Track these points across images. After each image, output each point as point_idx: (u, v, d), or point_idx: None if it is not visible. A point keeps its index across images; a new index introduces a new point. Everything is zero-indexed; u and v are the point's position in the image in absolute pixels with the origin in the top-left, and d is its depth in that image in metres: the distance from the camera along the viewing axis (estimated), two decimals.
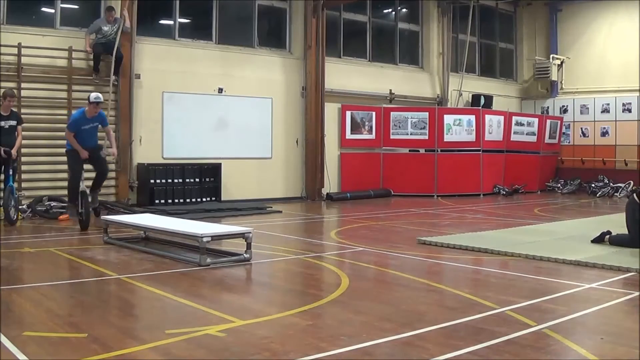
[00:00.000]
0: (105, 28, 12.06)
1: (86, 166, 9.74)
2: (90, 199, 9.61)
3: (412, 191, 16.39)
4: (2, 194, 10.26)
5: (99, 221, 9.35)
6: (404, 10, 18.58)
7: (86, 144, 9.44)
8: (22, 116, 11.42)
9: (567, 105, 19.75)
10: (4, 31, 11.28)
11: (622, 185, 17.19)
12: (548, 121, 19.11)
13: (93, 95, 9.35)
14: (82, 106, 12.09)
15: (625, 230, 8.03)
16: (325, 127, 15.61)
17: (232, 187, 14.01)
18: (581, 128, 19.43)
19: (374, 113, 16.69)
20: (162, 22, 14.16)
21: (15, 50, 11.34)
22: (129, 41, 12.53)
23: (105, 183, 12.45)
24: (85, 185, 9.57)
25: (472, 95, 18.95)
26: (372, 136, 16.69)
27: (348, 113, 16.31)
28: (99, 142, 10.05)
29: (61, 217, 10.76)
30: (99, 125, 9.64)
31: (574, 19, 19.70)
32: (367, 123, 16.63)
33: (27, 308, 4.99)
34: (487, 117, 17.47)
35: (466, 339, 4.17)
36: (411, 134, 16.84)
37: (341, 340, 4.16)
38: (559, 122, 19.49)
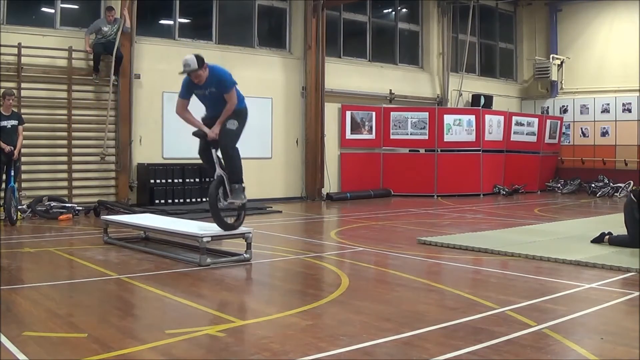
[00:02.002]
0: (105, 28, 12.06)
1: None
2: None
3: (412, 191, 16.39)
4: (1, 194, 10.27)
5: (98, 221, 9.35)
6: (404, 10, 18.58)
7: (212, 116, 7.15)
8: (22, 116, 11.46)
9: (567, 105, 19.76)
10: (4, 31, 11.28)
11: (622, 185, 17.19)
12: (548, 121, 19.11)
13: (182, 60, 6.91)
14: (82, 106, 12.22)
15: (624, 231, 8.03)
16: (325, 127, 15.61)
17: None
18: (581, 128, 19.43)
19: (374, 113, 16.69)
20: (162, 22, 14.16)
21: (15, 50, 11.34)
22: (129, 41, 12.52)
23: (105, 183, 12.57)
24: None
25: (472, 95, 18.95)
26: (372, 136, 16.69)
27: (348, 113, 16.32)
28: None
29: (61, 217, 10.76)
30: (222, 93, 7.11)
31: (574, 19, 19.70)
32: (367, 123, 16.62)
33: (27, 308, 4.99)
34: (487, 117, 17.47)
35: (466, 339, 4.17)
36: (411, 134, 16.84)
37: (341, 340, 4.16)
38: (559, 122, 19.49)
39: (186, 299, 5.35)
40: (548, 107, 20.13)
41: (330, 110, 15.95)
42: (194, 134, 7.18)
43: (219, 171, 7.22)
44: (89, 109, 12.39)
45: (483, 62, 20.32)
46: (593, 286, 5.85)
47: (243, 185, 7.24)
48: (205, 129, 7.03)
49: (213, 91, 7.02)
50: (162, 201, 12.72)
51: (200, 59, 6.83)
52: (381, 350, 4.02)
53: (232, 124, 7.07)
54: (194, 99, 7.20)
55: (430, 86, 18.39)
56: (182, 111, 7.12)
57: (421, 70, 18.47)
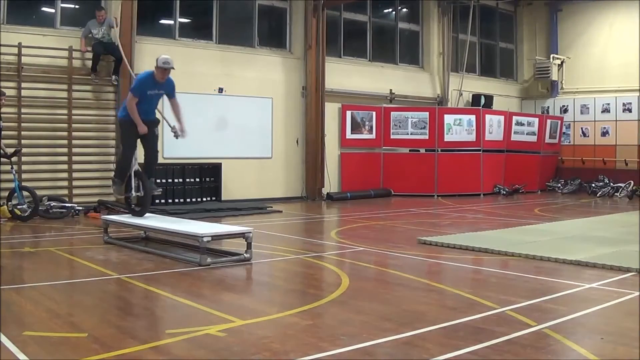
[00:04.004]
0: (95, 30, 12.03)
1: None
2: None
3: (412, 191, 16.39)
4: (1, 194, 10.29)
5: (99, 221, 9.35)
6: (404, 10, 18.57)
7: (146, 115, 7.96)
8: (22, 116, 11.48)
9: (567, 105, 19.75)
10: (4, 31, 11.27)
11: (622, 185, 17.17)
12: (548, 121, 19.10)
13: (162, 58, 7.77)
14: (82, 105, 12.20)
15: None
16: (326, 127, 15.61)
17: (232, 187, 14.01)
18: (581, 128, 19.43)
19: (374, 113, 16.69)
20: (162, 22, 14.15)
21: (15, 50, 11.34)
22: (129, 41, 12.50)
23: (105, 183, 12.53)
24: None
25: (473, 95, 18.95)
26: (373, 136, 16.69)
27: (348, 113, 16.31)
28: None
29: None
30: (164, 95, 8.15)
31: (574, 18, 19.70)
32: (367, 123, 16.62)
33: (27, 308, 4.99)
34: (488, 117, 17.47)
35: (466, 339, 4.17)
36: (411, 134, 16.84)
37: (341, 340, 4.16)
38: (559, 122, 19.49)
39: (186, 298, 5.35)
40: (548, 107, 20.12)
41: (331, 110, 15.95)
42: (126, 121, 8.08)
43: (137, 168, 8.26)
44: (89, 108, 12.38)
45: (483, 62, 20.32)
46: (593, 286, 5.85)
47: None
48: (142, 126, 7.93)
49: (161, 93, 8.06)
50: (162, 201, 12.72)
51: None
52: (381, 350, 4.02)
53: (157, 131, 8.44)
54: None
55: (430, 86, 18.38)
56: (134, 106, 7.88)
57: (421, 70, 18.47)
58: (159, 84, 7.89)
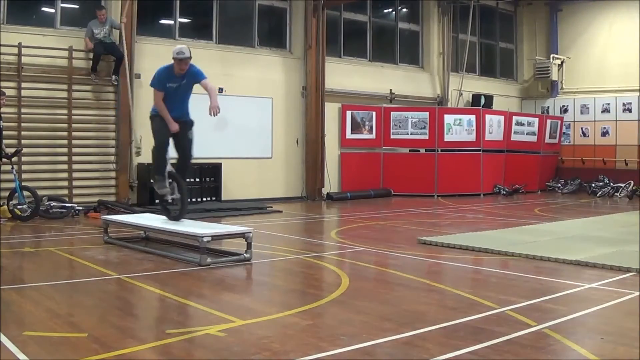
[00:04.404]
0: (97, 30, 12.02)
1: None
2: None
3: (412, 191, 16.39)
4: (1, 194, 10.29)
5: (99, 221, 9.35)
6: (404, 10, 18.58)
7: (172, 112, 7.53)
8: (23, 116, 11.48)
9: (567, 105, 19.75)
10: (4, 31, 11.27)
11: (622, 185, 17.17)
12: (548, 121, 19.10)
13: (176, 49, 7.55)
14: (82, 105, 12.20)
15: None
16: (326, 127, 15.61)
17: (232, 187, 14.01)
18: (581, 128, 19.43)
19: (374, 113, 16.69)
20: (162, 22, 14.16)
21: (15, 50, 11.34)
22: (129, 41, 12.50)
23: (104, 183, 12.55)
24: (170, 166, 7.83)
25: (473, 95, 18.95)
26: (373, 136, 16.69)
27: (348, 113, 16.31)
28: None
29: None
30: (192, 85, 7.71)
31: (574, 18, 19.70)
32: (367, 123, 16.62)
33: (27, 308, 4.99)
34: (488, 117, 17.47)
35: (466, 339, 4.17)
36: (411, 134, 16.84)
37: (341, 340, 4.16)
38: (559, 122, 19.49)
39: (186, 299, 5.35)
40: (548, 107, 20.12)
41: (331, 110, 15.95)
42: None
43: (171, 168, 7.75)
44: (89, 108, 12.38)
45: (483, 62, 20.32)
46: (593, 286, 5.85)
47: None
48: (173, 124, 7.50)
49: (184, 83, 7.56)
50: None
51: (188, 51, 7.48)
52: (381, 350, 4.02)
53: (192, 134, 7.79)
54: None
55: (430, 86, 18.38)
56: (161, 102, 7.53)
57: (421, 70, 18.47)
58: (180, 76, 7.51)
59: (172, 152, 7.76)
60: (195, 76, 7.58)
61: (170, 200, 7.80)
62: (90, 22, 12.08)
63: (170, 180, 7.70)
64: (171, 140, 7.67)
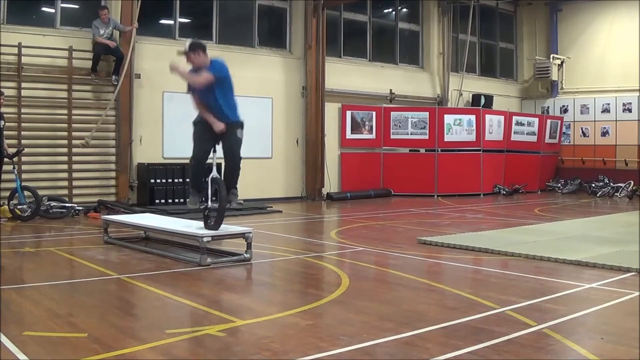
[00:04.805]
0: (102, 31, 12.02)
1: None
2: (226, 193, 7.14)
3: (412, 191, 16.39)
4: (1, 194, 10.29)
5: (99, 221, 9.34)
6: (404, 10, 18.58)
7: (215, 114, 7.01)
8: (23, 116, 11.48)
9: (567, 105, 19.75)
10: (4, 31, 11.28)
11: (622, 185, 17.17)
12: (548, 121, 19.10)
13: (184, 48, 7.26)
14: (82, 105, 12.20)
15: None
16: (326, 127, 15.61)
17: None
18: (581, 128, 19.43)
19: (374, 113, 16.69)
20: (162, 21, 14.15)
21: (15, 50, 11.34)
22: (129, 41, 12.50)
23: (104, 183, 12.54)
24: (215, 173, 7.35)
25: (473, 95, 18.95)
26: (373, 136, 16.69)
27: (348, 113, 16.31)
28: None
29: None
30: (224, 81, 7.19)
31: (574, 18, 19.70)
32: (367, 123, 16.62)
33: (27, 308, 4.99)
34: (488, 117, 17.47)
35: (466, 339, 4.17)
36: (411, 134, 16.84)
37: (341, 340, 4.16)
38: (559, 122, 19.49)
39: (186, 298, 5.35)
40: (548, 107, 20.12)
41: (331, 110, 15.95)
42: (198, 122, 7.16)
43: (215, 174, 7.32)
44: (89, 108, 12.39)
45: (483, 62, 20.32)
46: (593, 286, 5.85)
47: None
48: (217, 123, 7.00)
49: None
50: (162, 201, 12.72)
51: (195, 43, 7.26)
52: (381, 350, 4.02)
53: (240, 134, 7.20)
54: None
55: (430, 86, 18.38)
56: (199, 105, 7.15)
57: (421, 70, 18.47)
58: (199, 71, 7.04)
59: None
60: (215, 71, 7.09)
61: (205, 207, 7.21)
62: (95, 22, 12.07)
63: (213, 187, 7.23)
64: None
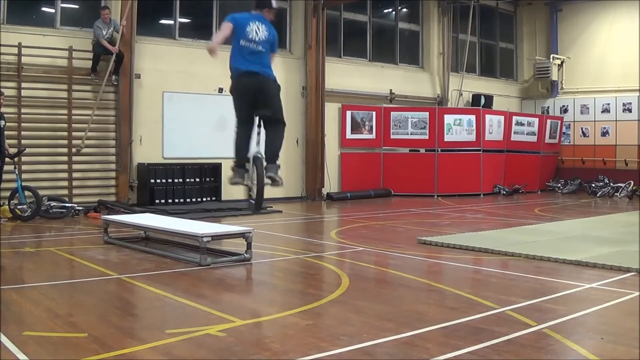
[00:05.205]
0: (104, 32, 12.01)
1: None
2: (266, 170, 6.29)
3: (412, 191, 16.39)
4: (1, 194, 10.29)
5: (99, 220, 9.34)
6: (404, 10, 18.57)
7: (251, 66, 6.27)
8: (23, 116, 11.48)
9: (567, 105, 19.75)
10: (4, 31, 11.27)
11: (622, 185, 17.16)
12: (548, 121, 19.10)
13: None
14: (82, 105, 12.20)
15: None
16: (326, 127, 15.61)
17: (232, 187, 13.90)
18: (581, 128, 19.42)
19: (374, 113, 16.69)
20: (162, 21, 14.15)
21: (15, 50, 11.34)
22: (128, 41, 12.50)
23: (104, 183, 12.53)
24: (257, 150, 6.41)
25: (473, 95, 18.95)
26: (373, 136, 16.69)
27: (348, 113, 16.31)
28: None
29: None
30: (271, 44, 6.40)
31: (574, 18, 19.70)
32: (367, 123, 16.62)
33: (27, 308, 4.99)
34: (488, 117, 17.47)
35: (466, 339, 4.17)
36: (411, 134, 16.83)
37: (341, 340, 4.16)
38: (559, 122, 19.49)
39: (186, 298, 5.35)
40: (548, 107, 20.12)
41: (331, 110, 15.95)
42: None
43: (256, 150, 6.40)
44: (89, 108, 12.37)
45: (483, 62, 20.32)
46: (593, 286, 5.85)
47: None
48: (211, 43, 6.37)
49: (265, 40, 6.35)
50: (162, 201, 12.73)
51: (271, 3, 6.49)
52: (381, 350, 4.02)
53: (280, 100, 6.43)
54: None
55: (430, 86, 18.38)
56: (222, 35, 6.48)
57: (421, 70, 18.46)
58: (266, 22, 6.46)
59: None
60: (274, 42, 6.43)
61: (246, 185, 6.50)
62: (97, 22, 12.06)
63: (254, 166, 6.33)
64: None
